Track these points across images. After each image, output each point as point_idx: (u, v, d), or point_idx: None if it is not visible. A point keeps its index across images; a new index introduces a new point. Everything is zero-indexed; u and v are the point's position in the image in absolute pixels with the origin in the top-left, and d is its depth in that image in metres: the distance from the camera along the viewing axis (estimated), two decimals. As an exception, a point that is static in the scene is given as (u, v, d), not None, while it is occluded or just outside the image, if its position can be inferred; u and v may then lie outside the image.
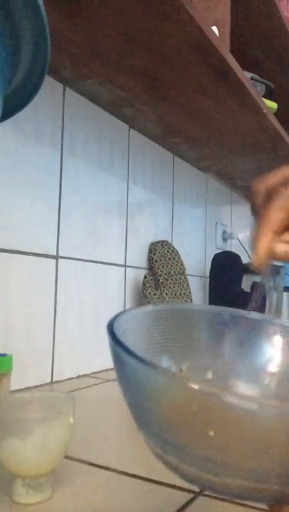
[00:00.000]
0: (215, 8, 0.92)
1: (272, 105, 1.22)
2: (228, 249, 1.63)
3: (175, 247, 1.29)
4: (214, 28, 0.85)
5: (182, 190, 1.40)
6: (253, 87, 0.96)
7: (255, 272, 0.35)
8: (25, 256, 0.80)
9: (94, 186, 0.99)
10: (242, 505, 0.39)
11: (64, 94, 0.91)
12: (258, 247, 0.34)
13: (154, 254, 1.17)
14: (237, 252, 1.48)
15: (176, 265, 1.23)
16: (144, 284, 1.10)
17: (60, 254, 0.89)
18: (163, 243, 1.23)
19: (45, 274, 0.85)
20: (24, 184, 0.81)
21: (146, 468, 0.47)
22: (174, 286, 1.19)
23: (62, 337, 0.88)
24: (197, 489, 0.42)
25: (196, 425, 0.22)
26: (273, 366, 0.35)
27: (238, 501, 0.40)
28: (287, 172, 0.35)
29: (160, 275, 1.16)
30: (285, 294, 1.56)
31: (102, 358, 0.98)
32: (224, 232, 1.70)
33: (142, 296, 1.10)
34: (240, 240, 1.77)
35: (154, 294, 1.11)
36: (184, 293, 1.22)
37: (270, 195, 0.34)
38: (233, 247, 1.74)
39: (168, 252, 1.23)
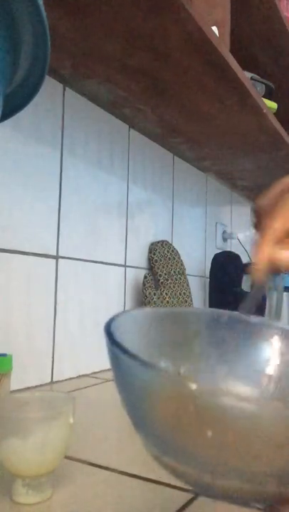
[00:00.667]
0: (215, 8, 0.92)
1: (272, 105, 1.22)
2: (228, 249, 1.63)
3: (175, 247, 1.29)
4: (214, 28, 0.85)
5: (182, 190, 1.40)
6: (253, 87, 0.96)
7: (257, 281, 0.35)
8: (25, 256, 0.80)
9: (94, 186, 0.99)
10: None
11: (64, 94, 0.91)
12: (260, 255, 0.33)
13: (154, 254, 1.17)
14: (237, 252, 1.48)
15: (176, 265, 1.23)
16: (144, 284, 1.10)
17: (60, 254, 0.89)
18: (163, 243, 1.23)
19: (45, 274, 0.85)
20: (24, 184, 0.81)
21: (146, 468, 0.47)
22: (174, 286, 1.19)
23: (62, 337, 0.88)
24: (197, 489, 0.42)
25: (194, 426, 0.22)
26: (271, 369, 0.35)
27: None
28: (285, 182, 0.35)
29: (160, 275, 1.16)
30: (285, 294, 1.56)
31: (102, 358, 0.98)
32: (224, 232, 1.70)
33: (142, 296, 1.10)
34: (240, 240, 1.77)
35: (154, 294, 1.11)
36: (184, 293, 1.22)
37: (271, 206, 0.34)
38: (233, 247, 1.74)
39: (168, 252, 1.23)
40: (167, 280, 1.18)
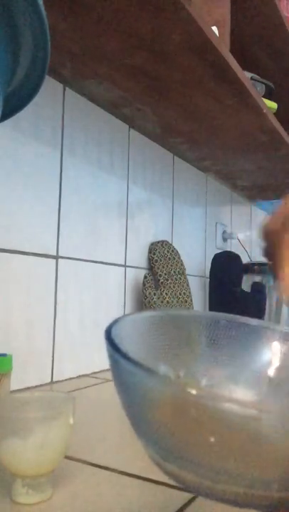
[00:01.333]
0: (215, 8, 0.92)
1: (272, 105, 1.22)
2: (228, 249, 1.63)
3: (175, 247, 1.29)
4: (214, 28, 0.85)
5: (182, 190, 1.40)
6: (253, 87, 0.96)
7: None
8: (25, 256, 0.80)
9: (94, 186, 0.99)
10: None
11: (64, 94, 0.91)
12: (286, 271, 0.33)
13: (154, 254, 1.17)
14: (237, 252, 1.48)
15: (176, 265, 1.23)
16: (144, 284, 1.10)
17: (60, 254, 0.89)
18: (163, 243, 1.23)
19: (45, 274, 0.85)
20: (24, 184, 0.81)
21: (146, 468, 0.47)
22: (174, 286, 1.19)
23: (62, 337, 0.88)
24: (197, 489, 0.42)
25: (195, 432, 0.22)
26: (271, 372, 0.35)
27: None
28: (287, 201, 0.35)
29: (160, 275, 1.16)
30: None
31: (102, 358, 0.98)
32: (224, 232, 1.70)
33: (142, 296, 1.10)
34: (240, 240, 1.77)
35: (154, 294, 1.11)
36: (184, 293, 1.22)
37: (282, 230, 0.34)
38: (233, 247, 1.74)
39: (168, 252, 1.23)
40: (167, 280, 1.18)
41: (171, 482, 0.43)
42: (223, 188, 1.71)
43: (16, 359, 0.76)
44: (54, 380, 0.85)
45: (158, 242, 1.22)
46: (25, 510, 0.38)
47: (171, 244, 1.26)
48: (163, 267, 1.18)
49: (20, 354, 0.78)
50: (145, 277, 1.11)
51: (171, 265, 1.22)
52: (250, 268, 1.50)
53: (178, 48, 0.77)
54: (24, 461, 0.38)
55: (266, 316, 1.35)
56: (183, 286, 1.22)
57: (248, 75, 1.10)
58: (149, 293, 1.10)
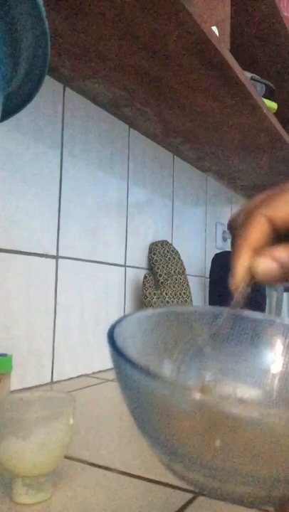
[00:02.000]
0: (215, 8, 0.92)
1: (272, 105, 1.22)
2: (228, 249, 1.63)
3: (175, 247, 1.29)
4: (214, 28, 0.85)
5: (182, 190, 1.40)
6: (253, 87, 0.96)
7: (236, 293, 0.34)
8: (25, 256, 0.80)
9: (94, 186, 0.99)
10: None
11: (64, 94, 0.91)
12: (237, 267, 0.31)
13: (154, 254, 1.17)
14: (237, 252, 1.48)
15: (176, 265, 1.23)
16: (144, 284, 1.10)
17: (60, 254, 0.89)
18: (163, 243, 1.23)
19: (45, 274, 0.85)
20: (24, 184, 0.81)
21: (146, 468, 0.47)
22: (174, 286, 1.19)
23: (62, 337, 0.88)
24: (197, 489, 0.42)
25: (202, 434, 0.22)
26: (276, 367, 0.35)
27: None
28: (263, 195, 0.34)
29: (160, 275, 1.16)
30: (285, 294, 1.56)
31: (102, 358, 0.98)
32: (224, 232, 1.70)
33: (142, 296, 1.10)
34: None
35: (154, 294, 1.11)
36: (184, 293, 1.22)
37: (245, 219, 0.33)
38: (233, 247, 1.73)
39: (168, 252, 1.23)
40: (167, 280, 1.18)
41: (172, 482, 0.43)
42: (223, 188, 1.71)
43: (16, 359, 0.76)
44: (54, 380, 0.85)
45: (158, 242, 1.22)
46: (25, 510, 0.38)
47: (171, 244, 1.26)
48: (163, 267, 1.18)
49: (20, 354, 0.78)
50: (145, 277, 1.11)
51: (171, 265, 1.22)
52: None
53: (178, 48, 0.77)
54: (24, 461, 0.38)
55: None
56: (183, 286, 1.22)
57: (248, 75, 1.10)
58: (149, 293, 1.10)
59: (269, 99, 1.21)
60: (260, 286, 1.37)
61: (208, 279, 1.44)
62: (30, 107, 0.41)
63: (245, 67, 1.01)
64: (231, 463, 0.22)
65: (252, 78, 1.16)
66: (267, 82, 1.22)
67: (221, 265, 1.41)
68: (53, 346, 0.86)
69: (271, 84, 1.24)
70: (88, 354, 0.95)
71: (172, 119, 1.08)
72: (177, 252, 1.27)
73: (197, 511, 0.39)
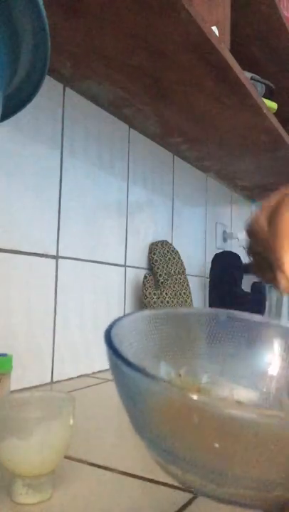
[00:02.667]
0: (215, 8, 0.92)
1: (272, 105, 1.22)
2: (228, 249, 1.63)
3: (175, 247, 1.29)
4: (214, 28, 0.85)
5: (182, 190, 1.40)
6: (253, 87, 0.96)
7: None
8: (25, 256, 0.80)
9: (94, 186, 0.99)
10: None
11: (64, 94, 0.91)
12: (285, 264, 0.32)
13: (154, 254, 1.17)
14: (237, 252, 1.48)
15: (176, 265, 1.23)
16: (144, 284, 1.10)
17: (60, 254, 0.89)
18: (163, 243, 1.23)
19: (45, 274, 0.85)
20: (24, 184, 0.81)
21: (146, 468, 0.47)
22: (174, 286, 1.19)
23: (62, 337, 0.88)
24: (197, 489, 0.42)
25: (198, 436, 0.22)
26: (273, 369, 0.35)
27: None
28: (280, 194, 0.34)
29: (160, 275, 1.16)
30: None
31: (102, 358, 0.98)
32: (224, 232, 1.70)
33: (142, 296, 1.10)
34: (240, 240, 1.76)
35: (154, 294, 1.11)
36: (184, 293, 1.22)
37: (271, 218, 0.33)
38: (233, 247, 1.73)
39: (168, 252, 1.23)
40: (167, 280, 1.18)
41: (172, 482, 0.43)
42: (223, 188, 1.71)
43: (16, 359, 0.76)
44: (54, 380, 0.85)
45: (158, 242, 1.22)
46: (25, 510, 0.38)
47: (171, 244, 1.26)
48: (163, 267, 1.18)
49: (20, 354, 0.78)
50: (145, 277, 1.11)
51: (171, 265, 1.22)
52: (250, 268, 1.50)
53: (178, 47, 0.77)
54: (24, 461, 0.38)
55: (266, 316, 1.35)
56: (183, 286, 1.22)
57: (248, 75, 1.10)
58: (149, 293, 1.10)
59: (269, 99, 1.21)
60: (260, 288, 1.37)
61: (208, 279, 1.44)
62: (30, 107, 0.41)
63: (245, 67, 1.01)
64: (227, 466, 0.22)
65: (252, 78, 1.16)
66: (267, 82, 1.22)
67: (221, 265, 1.41)
68: (53, 346, 0.86)
69: (271, 84, 1.24)
70: (88, 354, 0.95)
71: (172, 119, 1.08)
72: (177, 252, 1.27)
73: (197, 511, 0.39)
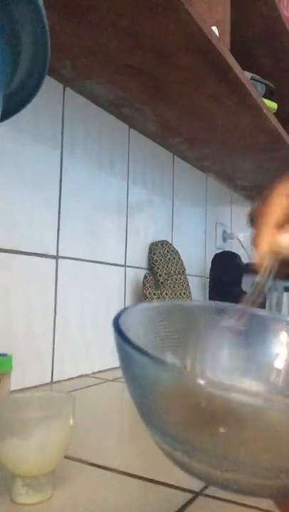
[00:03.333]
0: (215, 8, 0.92)
1: (272, 105, 1.22)
2: (228, 249, 1.63)
3: (175, 247, 1.29)
4: (214, 28, 0.85)
5: (182, 190, 1.40)
6: (253, 87, 0.96)
7: (257, 272, 0.35)
8: (25, 256, 0.80)
9: (94, 186, 0.99)
10: (242, 505, 0.39)
11: (64, 94, 0.91)
12: (260, 242, 0.33)
13: (154, 254, 1.17)
14: (237, 252, 1.48)
15: (176, 265, 1.23)
16: (144, 284, 1.10)
17: (60, 254, 0.89)
18: (163, 243, 1.23)
19: (45, 274, 0.85)
20: (24, 184, 0.81)
21: (146, 468, 0.47)
22: (174, 286, 1.19)
23: (62, 337, 0.88)
24: (197, 489, 0.42)
25: (205, 422, 0.22)
26: (279, 362, 0.35)
27: (238, 501, 0.40)
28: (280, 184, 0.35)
29: (160, 275, 1.16)
30: (285, 294, 1.56)
31: (102, 358, 0.98)
32: (224, 232, 1.70)
33: (142, 296, 1.10)
34: (240, 240, 1.77)
35: (154, 294, 1.11)
36: (184, 293, 1.22)
37: (267, 201, 0.34)
38: (233, 247, 1.74)
39: (168, 252, 1.23)
40: (167, 280, 1.18)
41: (172, 482, 0.43)
42: (223, 188, 1.71)
43: (16, 359, 0.76)
44: (54, 380, 0.85)
45: (158, 242, 1.22)
46: (25, 510, 0.38)
47: (171, 244, 1.26)
48: (163, 267, 1.18)
49: (21, 354, 0.78)
50: (145, 277, 1.11)
51: (171, 265, 1.22)
52: (250, 268, 1.50)
53: (178, 48, 0.77)
54: (24, 461, 0.38)
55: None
56: (183, 286, 1.22)
57: (248, 75, 1.10)
58: (149, 293, 1.10)
59: (269, 99, 1.21)
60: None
61: (208, 279, 1.44)
62: (30, 107, 0.41)
63: (245, 67, 1.01)
64: (234, 452, 0.22)
65: (252, 78, 1.16)
66: (267, 82, 1.22)
67: (221, 265, 1.41)
68: (53, 346, 0.86)
69: (271, 84, 1.24)
70: (88, 354, 0.95)
71: (172, 119, 1.08)
72: (177, 252, 1.27)
73: (197, 511, 0.39)
